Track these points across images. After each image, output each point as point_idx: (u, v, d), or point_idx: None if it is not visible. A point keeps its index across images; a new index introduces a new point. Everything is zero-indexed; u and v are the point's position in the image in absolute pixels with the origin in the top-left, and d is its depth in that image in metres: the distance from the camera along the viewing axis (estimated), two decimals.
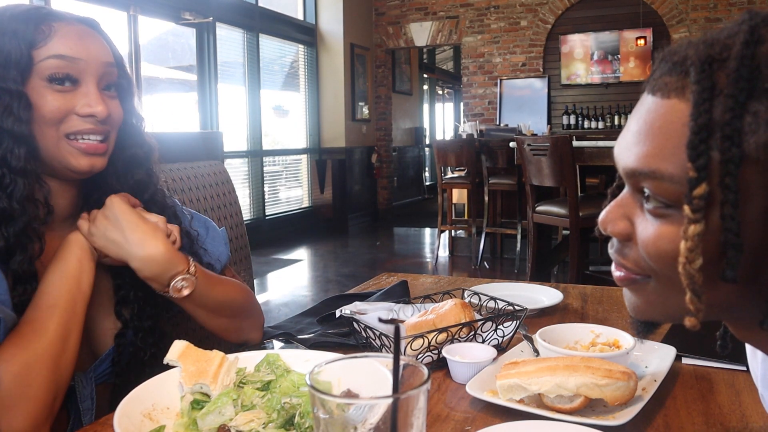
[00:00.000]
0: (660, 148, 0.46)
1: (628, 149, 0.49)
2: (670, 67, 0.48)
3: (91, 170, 0.89)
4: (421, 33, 8.65)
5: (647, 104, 0.49)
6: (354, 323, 1.03)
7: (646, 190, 0.48)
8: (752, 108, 0.42)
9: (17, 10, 0.87)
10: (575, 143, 3.53)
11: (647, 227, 0.49)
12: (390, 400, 0.47)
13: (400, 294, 1.29)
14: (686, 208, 0.44)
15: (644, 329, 0.56)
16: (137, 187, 0.98)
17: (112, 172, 0.96)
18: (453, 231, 6.22)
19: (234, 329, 1.05)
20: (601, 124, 7.79)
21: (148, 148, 1.00)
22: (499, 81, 8.27)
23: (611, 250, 0.54)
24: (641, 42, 7.63)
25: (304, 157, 8.20)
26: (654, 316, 0.54)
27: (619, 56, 7.78)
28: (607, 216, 0.52)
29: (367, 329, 0.99)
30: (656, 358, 0.94)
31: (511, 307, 1.06)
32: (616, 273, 0.54)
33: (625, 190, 0.52)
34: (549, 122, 7.86)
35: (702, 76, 0.44)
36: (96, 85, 0.88)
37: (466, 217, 6.29)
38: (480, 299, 1.14)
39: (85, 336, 0.94)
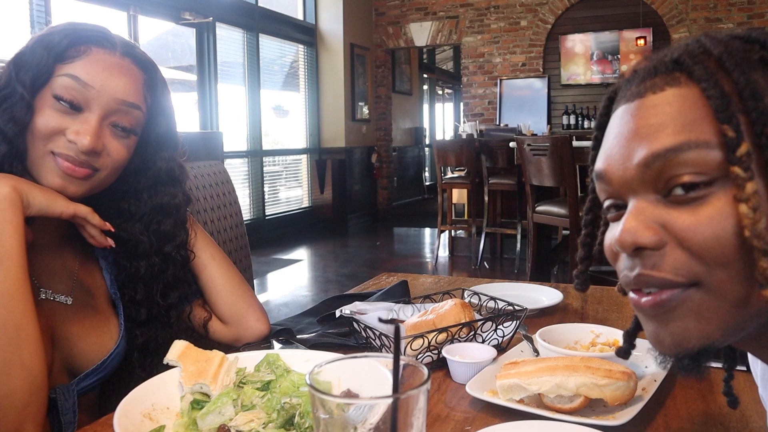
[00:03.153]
0: (681, 125, 0.45)
1: (638, 146, 0.47)
2: (644, 76, 0.49)
3: (62, 192, 0.87)
4: (421, 33, 8.65)
5: (634, 108, 0.48)
6: (354, 323, 1.03)
7: (675, 178, 0.45)
8: (752, 77, 0.45)
9: (75, 27, 0.89)
10: (575, 143, 3.53)
11: (688, 218, 0.45)
12: (390, 400, 0.47)
13: (400, 294, 1.29)
14: (736, 169, 0.42)
15: (694, 362, 0.49)
16: (158, 237, 0.98)
17: (126, 218, 0.97)
18: (453, 231, 6.22)
19: (238, 298, 1.08)
20: None
21: (183, 198, 1.00)
22: (499, 81, 8.27)
23: (632, 273, 0.48)
24: (641, 42, 7.63)
25: (304, 157, 8.20)
26: (709, 332, 0.46)
27: (619, 56, 7.78)
28: (628, 228, 0.47)
29: (367, 329, 0.99)
30: None
31: (511, 307, 1.06)
32: (644, 299, 0.47)
33: (634, 202, 0.48)
34: (549, 122, 7.86)
35: (698, 60, 0.47)
36: (100, 117, 0.87)
37: (466, 217, 6.29)
38: (480, 299, 1.14)
39: (66, 351, 0.93)
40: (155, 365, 0.98)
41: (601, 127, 0.54)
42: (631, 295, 0.49)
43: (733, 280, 0.44)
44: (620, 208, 0.51)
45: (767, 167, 0.44)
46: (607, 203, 0.52)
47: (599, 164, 0.51)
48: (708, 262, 0.44)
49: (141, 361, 0.99)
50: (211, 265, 1.08)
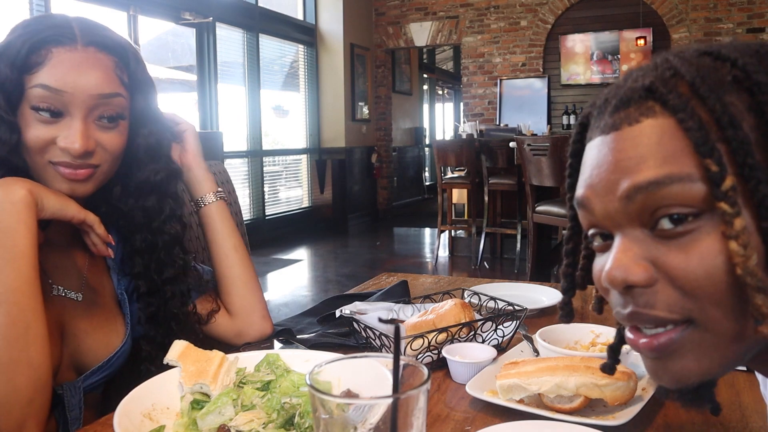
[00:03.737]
0: (662, 158, 0.44)
1: (619, 179, 0.46)
2: (617, 106, 0.47)
3: (72, 195, 0.88)
4: (421, 33, 8.65)
5: (611, 140, 0.47)
6: (354, 323, 1.03)
7: (660, 212, 0.44)
8: (727, 101, 0.43)
9: (30, 29, 0.86)
10: None
11: (678, 255, 0.43)
12: (390, 400, 0.47)
13: (400, 294, 1.29)
14: (723, 205, 0.41)
15: (696, 395, 0.49)
16: (145, 213, 0.98)
17: (121, 192, 0.98)
18: (453, 231, 6.22)
19: (244, 282, 1.10)
20: None
21: (166, 174, 1.00)
22: (499, 81, 8.27)
23: (625, 311, 0.47)
24: (641, 42, 7.63)
25: (304, 157, 8.20)
26: (709, 368, 0.45)
27: (619, 56, 7.78)
28: (618, 266, 0.45)
29: (367, 329, 0.99)
30: None
31: (511, 307, 1.06)
32: (642, 341, 0.46)
33: (620, 238, 0.47)
34: (549, 122, 7.86)
35: (670, 87, 0.45)
36: (83, 118, 0.86)
37: (466, 217, 6.29)
38: (480, 299, 1.14)
39: (74, 347, 0.94)
40: (160, 341, 0.99)
41: (576, 155, 0.52)
42: (628, 334, 0.48)
43: (727, 317, 0.43)
44: (606, 237, 0.49)
45: (753, 197, 0.42)
46: (591, 231, 0.50)
47: (580, 191, 0.49)
48: (700, 300, 0.43)
49: (147, 336, 1.00)
50: (233, 256, 1.10)
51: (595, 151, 0.48)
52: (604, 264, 0.47)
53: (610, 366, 0.58)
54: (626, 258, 0.45)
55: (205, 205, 1.10)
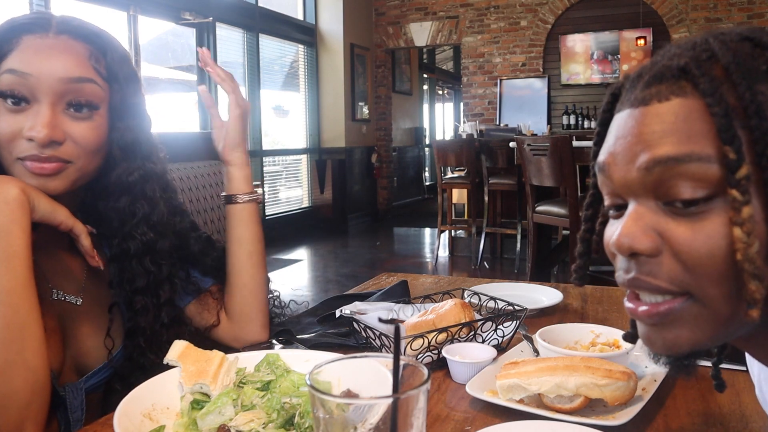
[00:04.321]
0: (686, 136, 0.45)
1: (641, 150, 0.47)
2: (649, 81, 0.48)
3: (42, 191, 0.84)
4: (421, 33, 8.65)
5: (638, 114, 0.48)
6: (354, 323, 1.03)
7: (675, 188, 0.45)
8: (758, 90, 0.44)
9: (7, 21, 0.85)
10: (575, 143, 3.53)
11: (685, 231, 0.45)
12: (390, 400, 0.47)
13: (400, 294, 1.29)
14: (734, 192, 0.43)
15: (688, 363, 0.52)
16: (117, 216, 0.93)
17: (98, 193, 0.94)
18: (453, 231, 6.22)
19: (255, 287, 1.09)
20: None
21: (140, 175, 0.94)
22: (499, 81, 8.27)
23: (627, 275, 0.49)
24: (641, 42, 7.63)
25: (304, 157, 8.20)
26: (700, 339, 0.48)
27: (619, 56, 7.78)
28: (626, 233, 0.47)
29: (367, 329, 0.99)
30: None
31: (511, 307, 1.06)
32: (641, 309, 0.48)
33: (634, 206, 0.49)
34: (549, 122, 7.86)
35: (704, 70, 0.46)
36: (51, 105, 0.82)
37: (466, 217, 6.29)
38: (480, 299, 1.14)
39: (75, 350, 0.94)
40: (136, 359, 0.97)
41: (604, 124, 0.54)
42: (627, 304, 0.50)
43: (723, 297, 0.45)
44: (621, 207, 0.51)
45: (766, 187, 0.44)
46: (608, 201, 0.52)
47: (602, 157, 0.51)
48: (699, 277, 0.45)
49: (126, 351, 0.99)
50: (246, 263, 1.08)
51: (622, 122, 0.50)
52: (614, 233, 0.49)
53: (632, 335, 0.59)
54: (635, 226, 0.47)
55: (231, 203, 1.08)
